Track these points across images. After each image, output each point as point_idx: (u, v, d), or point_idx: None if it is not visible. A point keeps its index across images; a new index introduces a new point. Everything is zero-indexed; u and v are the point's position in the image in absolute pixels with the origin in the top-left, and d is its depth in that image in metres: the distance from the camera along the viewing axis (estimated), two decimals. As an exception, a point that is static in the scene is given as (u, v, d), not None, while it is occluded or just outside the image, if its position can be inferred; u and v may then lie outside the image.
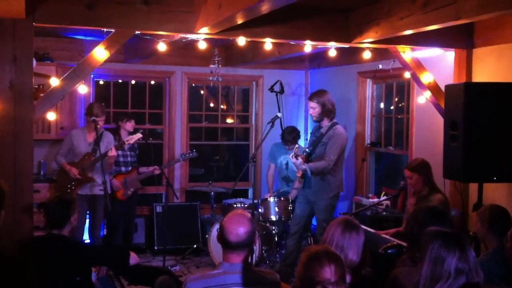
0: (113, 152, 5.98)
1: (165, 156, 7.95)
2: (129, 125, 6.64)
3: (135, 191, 6.73)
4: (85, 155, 6.03)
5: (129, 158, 6.68)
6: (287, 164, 7.02)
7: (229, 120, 8.66)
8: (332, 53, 5.71)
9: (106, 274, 4.04)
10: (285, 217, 6.53)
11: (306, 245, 6.25)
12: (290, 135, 6.83)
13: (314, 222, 7.79)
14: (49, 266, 3.42)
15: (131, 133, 6.54)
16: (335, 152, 5.38)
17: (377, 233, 4.83)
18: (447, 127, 4.56)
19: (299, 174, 5.50)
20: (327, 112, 5.48)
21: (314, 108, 5.50)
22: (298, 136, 7.02)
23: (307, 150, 5.55)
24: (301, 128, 8.21)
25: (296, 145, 5.45)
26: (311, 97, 5.60)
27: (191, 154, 7.00)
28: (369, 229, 4.83)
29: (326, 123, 5.54)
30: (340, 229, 3.03)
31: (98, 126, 5.92)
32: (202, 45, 5.09)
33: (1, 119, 3.91)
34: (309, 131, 7.41)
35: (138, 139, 6.31)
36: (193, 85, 8.20)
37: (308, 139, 5.86)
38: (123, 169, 6.63)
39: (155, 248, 7.06)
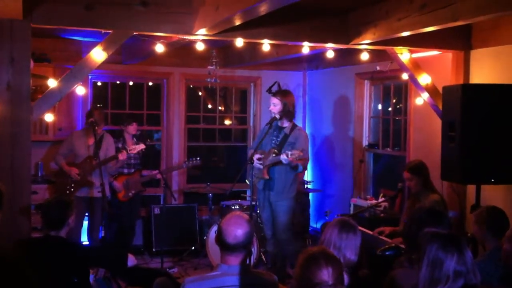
0: (124, 156, 6.04)
1: (163, 157, 7.94)
2: (131, 128, 6.66)
3: (137, 193, 6.73)
4: (87, 158, 6.02)
5: (132, 161, 6.68)
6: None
7: (227, 121, 8.65)
8: (330, 54, 5.72)
9: (104, 276, 4.03)
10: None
11: (305, 247, 6.24)
12: None
13: (312, 224, 7.80)
14: (47, 268, 3.41)
15: (135, 136, 6.71)
16: (307, 150, 5.48)
17: (374, 234, 4.84)
18: (444, 128, 4.57)
19: (266, 176, 5.45)
20: (287, 112, 5.48)
21: (276, 105, 5.47)
22: None
23: (276, 150, 5.47)
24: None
25: (301, 148, 5.37)
26: (275, 94, 5.62)
27: (194, 162, 6.93)
28: (366, 230, 4.83)
29: (287, 124, 5.54)
30: (337, 230, 3.05)
31: (96, 128, 5.92)
32: (200, 46, 5.08)
33: (-1, 120, 3.91)
34: (307, 131, 7.38)
35: (141, 150, 6.44)
36: (191, 86, 8.19)
37: (262, 140, 5.52)
38: (125, 170, 6.64)
39: (153, 249, 7.04)
